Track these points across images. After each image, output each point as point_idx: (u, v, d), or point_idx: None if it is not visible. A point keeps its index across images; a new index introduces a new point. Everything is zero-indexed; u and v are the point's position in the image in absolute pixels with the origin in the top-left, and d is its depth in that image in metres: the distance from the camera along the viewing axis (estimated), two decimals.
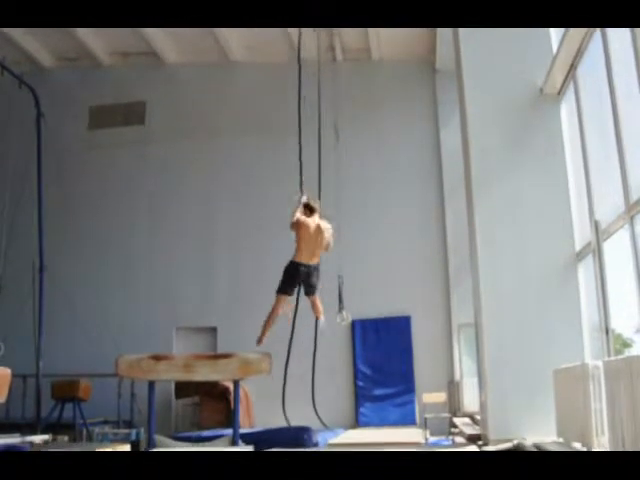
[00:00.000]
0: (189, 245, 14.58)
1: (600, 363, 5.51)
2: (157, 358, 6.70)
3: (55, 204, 13.05)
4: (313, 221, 8.30)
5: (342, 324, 10.50)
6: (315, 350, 9.72)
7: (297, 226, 8.25)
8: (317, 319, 8.66)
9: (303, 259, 8.17)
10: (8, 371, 6.63)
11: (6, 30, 13.96)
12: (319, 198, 9.86)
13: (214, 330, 14.13)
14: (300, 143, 9.40)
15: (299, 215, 8.36)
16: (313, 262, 8.25)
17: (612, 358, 5.79)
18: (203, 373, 7.41)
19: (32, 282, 11.35)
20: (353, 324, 13.02)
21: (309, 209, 8.48)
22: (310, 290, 8.38)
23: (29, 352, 10.92)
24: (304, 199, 8.60)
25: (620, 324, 6.63)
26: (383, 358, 13.50)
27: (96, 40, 14.96)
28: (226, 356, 7.30)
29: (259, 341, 8.24)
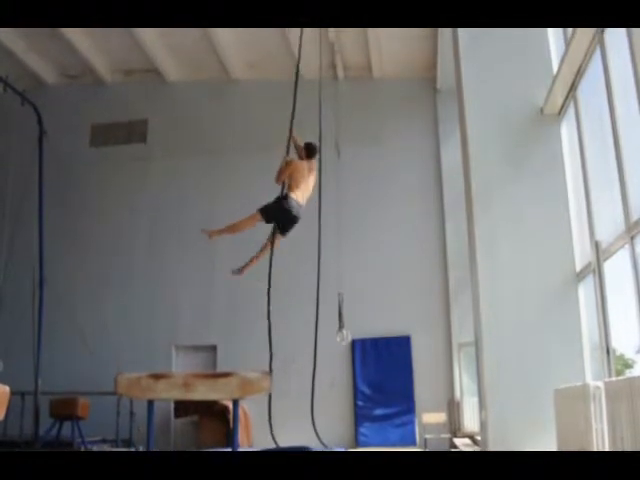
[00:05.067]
0: (189, 263, 14.56)
1: (601, 383, 5.48)
2: (156, 377, 6.68)
3: (56, 220, 13.08)
4: (308, 164, 8.27)
5: (342, 343, 10.47)
6: (314, 369, 9.69)
7: (290, 167, 8.09)
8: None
9: (298, 198, 8.02)
10: (7, 389, 6.61)
11: (9, 46, 14.06)
12: (319, 216, 9.86)
13: (214, 348, 14.09)
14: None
15: (292, 158, 8.26)
16: (303, 203, 8.13)
17: (613, 379, 5.76)
18: (202, 392, 7.39)
19: (32, 298, 11.34)
20: (353, 343, 12.99)
21: (309, 151, 8.42)
22: (287, 231, 8.20)
23: (28, 368, 10.87)
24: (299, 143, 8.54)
25: (621, 344, 6.61)
26: (383, 378, 13.44)
27: (98, 57, 15.06)
28: (225, 375, 7.31)
29: (210, 234, 8.46)
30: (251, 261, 8.58)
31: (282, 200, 8.02)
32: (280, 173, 8.16)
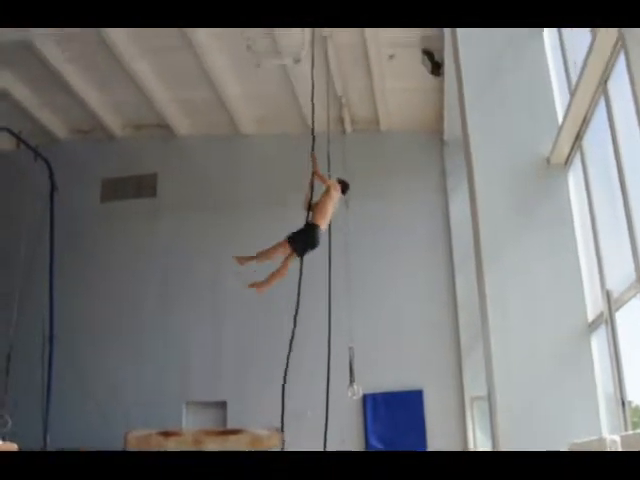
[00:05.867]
0: (199, 318, 14.51)
1: (617, 437, 5.36)
2: (166, 434, 6.65)
3: (67, 275, 13.12)
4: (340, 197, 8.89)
5: (353, 398, 10.34)
6: (326, 424, 9.58)
7: (332, 198, 8.69)
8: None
9: (323, 226, 8.56)
10: (15, 447, 6.55)
11: (23, 103, 14.32)
12: (329, 269, 9.85)
13: (224, 404, 13.94)
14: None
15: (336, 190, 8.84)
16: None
17: (629, 432, 5.65)
18: (213, 449, 7.29)
19: (42, 353, 11.30)
20: (364, 398, 12.82)
21: (345, 187, 9.06)
22: (304, 254, 8.54)
23: (37, 425, 10.78)
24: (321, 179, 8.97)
25: (637, 396, 6.49)
26: (395, 433, 13.21)
27: (109, 113, 15.29)
28: (236, 432, 7.26)
29: (240, 261, 8.57)
30: (270, 279, 8.68)
31: (312, 230, 8.48)
32: (323, 206, 8.69)
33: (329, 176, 9.31)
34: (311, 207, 8.74)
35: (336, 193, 8.84)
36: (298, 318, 9.45)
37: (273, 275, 8.57)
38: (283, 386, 8.24)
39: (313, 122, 9.32)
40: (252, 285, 8.57)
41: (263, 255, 8.61)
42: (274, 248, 8.51)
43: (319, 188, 8.97)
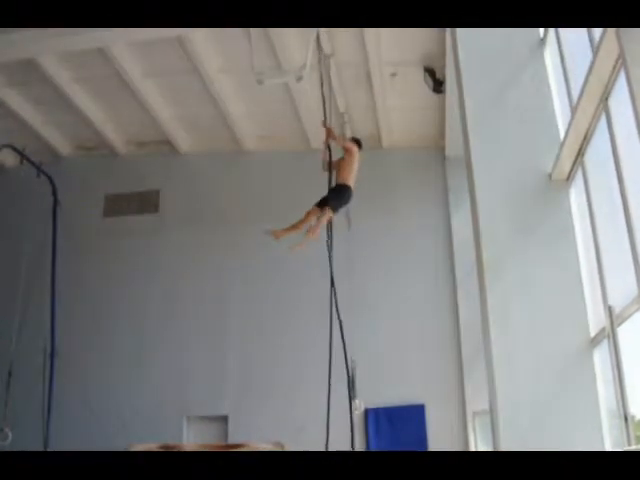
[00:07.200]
0: (201, 333, 14.48)
1: None
2: (167, 448, 6.65)
3: (68, 290, 13.13)
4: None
5: (355, 413, 10.29)
6: (327, 440, 9.56)
7: (354, 156, 9.16)
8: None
9: (351, 184, 8.98)
10: None
11: (28, 120, 14.40)
12: (331, 285, 9.85)
13: (225, 419, 13.90)
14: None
15: (352, 146, 9.28)
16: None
17: (633, 447, 5.64)
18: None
19: (43, 368, 11.30)
20: (366, 413, 12.79)
21: (359, 145, 9.49)
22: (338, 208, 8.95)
23: (37, 440, 10.76)
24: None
25: None
26: (397, 448, 13.06)
27: (113, 130, 15.36)
28: (236, 447, 7.24)
29: (276, 235, 8.81)
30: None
31: (343, 190, 8.94)
32: (347, 165, 9.15)
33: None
34: (333, 168, 9.17)
35: (355, 151, 9.28)
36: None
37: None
38: (350, 399, 8.27)
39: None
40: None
41: (296, 226, 8.88)
42: (306, 216, 8.74)
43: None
